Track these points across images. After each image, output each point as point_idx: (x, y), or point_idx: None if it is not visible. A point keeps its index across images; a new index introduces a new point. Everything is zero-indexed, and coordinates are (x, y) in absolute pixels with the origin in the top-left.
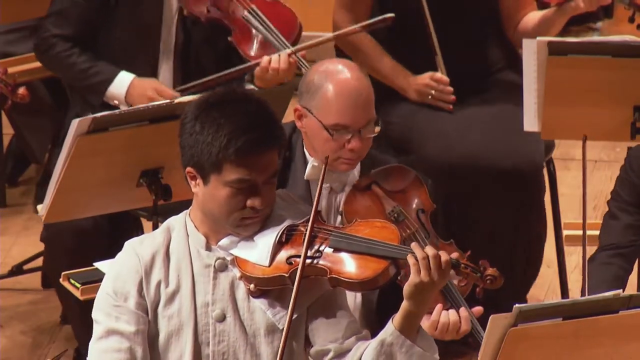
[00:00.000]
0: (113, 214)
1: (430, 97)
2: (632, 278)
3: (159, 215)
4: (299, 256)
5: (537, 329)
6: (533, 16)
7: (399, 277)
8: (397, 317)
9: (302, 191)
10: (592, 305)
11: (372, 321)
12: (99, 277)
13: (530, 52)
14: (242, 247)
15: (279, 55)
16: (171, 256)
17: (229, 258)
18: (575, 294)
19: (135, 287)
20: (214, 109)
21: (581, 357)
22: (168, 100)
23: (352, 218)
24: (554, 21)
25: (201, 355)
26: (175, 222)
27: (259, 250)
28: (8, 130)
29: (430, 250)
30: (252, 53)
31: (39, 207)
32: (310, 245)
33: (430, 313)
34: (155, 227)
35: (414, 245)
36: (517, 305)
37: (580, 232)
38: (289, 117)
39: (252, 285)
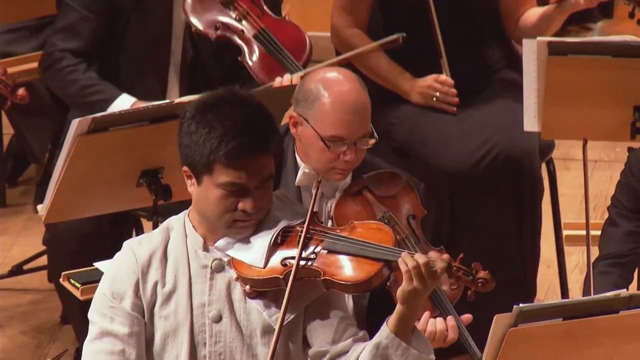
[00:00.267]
0: (114, 216)
1: (434, 99)
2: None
3: (159, 215)
4: (293, 258)
5: (537, 329)
6: (533, 13)
7: (388, 283)
8: (392, 320)
9: (294, 197)
10: (592, 305)
11: (363, 324)
12: (99, 277)
13: (530, 52)
14: (238, 248)
15: (291, 78)
16: (169, 256)
17: (225, 259)
18: (575, 294)
19: (132, 287)
20: (210, 111)
21: (581, 357)
22: (168, 101)
23: (343, 223)
24: (554, 18)
25: (198, 355)
26: (175, 222)
27: (254, 252)
28: (8, 130)
29: (420, 259)
30: (263, 75)
31: (39, 207)
32: (305, 247)
33: (419, 320)
34: (155, 227)
35: (405, 254)
36: (516, 305)
37: (579, 232)
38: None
39: (247, 287)
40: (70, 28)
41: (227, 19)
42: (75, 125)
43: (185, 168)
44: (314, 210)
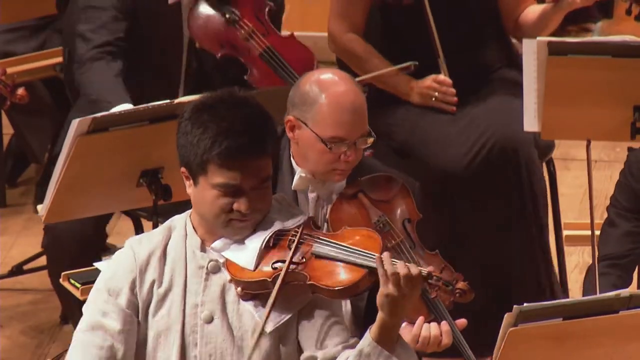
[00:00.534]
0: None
1: (433, 99)
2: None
3: (159, 215)
4: (283, 261)
5: (537, 329)
6: (532, 10)
7: None
8: (374, 328)
9: (291, 201)
10: (592, 305)
11: (360, 327)
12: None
13: (530, 52)
14: (233, 250)
15: None
16: (168, 256)
17: (221, 260)
18: (575, 294)
19: (128, 285)
20: (207, 111)
21: (581, 357)
22: (168, 101)
23: (338, 227)
24: (552, 17)
25: (188, 356)
26: (177, 222)
27: (246, 254)
28: (8, 131)
29: (401, 268)
30: None
31: (39, 207)
32: (295, 252)
33: (413, 324)
34: (155, 227)
35: (385, 259)
36: (516, 305)
37: (579, 232)
38: None
39: (239, 289)
40: (103, 26)
41: (233, 37)
42: (75, 125)
43: (182, 169)
44: (311, 215)
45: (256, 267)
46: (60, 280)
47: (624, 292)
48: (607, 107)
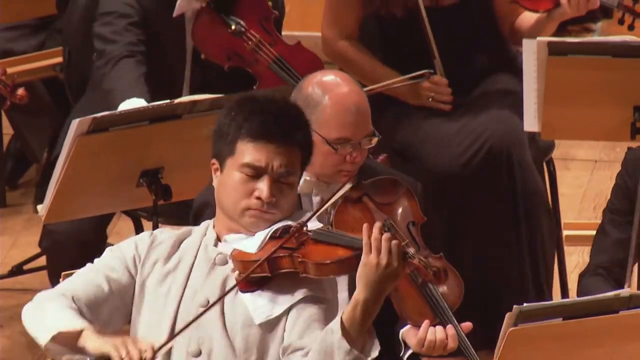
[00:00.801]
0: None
1: (430, 99)
2: (633, 278)
3: (159, 215)
4: (284, 248)
5: (537, 329)
6: (528, 17)
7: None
8: (347, 307)
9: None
10: (592, 305)
11: None
12: None
13: (530, 52)
14: (243, 241)
15: None
16: (181, 246)
17: (229, 253)
18: (575, 294)
19: (134, 253)
20: (248, 101)
21: (581, 357)
22: (168, 101)
23: (343, 230)
24: (545, 25)
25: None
26: (203, 224)
27: (253, 241)
28: (8, 131)
29: (384, 237)
30: None
31: (39, 207)
32: (294, 239)
33: (418, 328)
34: (155, 227)
35: (365, 226)
36: (516, 305)
37: (579, 232)
38: None
39: (237, 272)
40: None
41: (240, 49)
42: (75, 125)
43: (213, 160)
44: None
45: (258, 251)
46: (60, 280)
47: (624, 292)
48: (607, 107)
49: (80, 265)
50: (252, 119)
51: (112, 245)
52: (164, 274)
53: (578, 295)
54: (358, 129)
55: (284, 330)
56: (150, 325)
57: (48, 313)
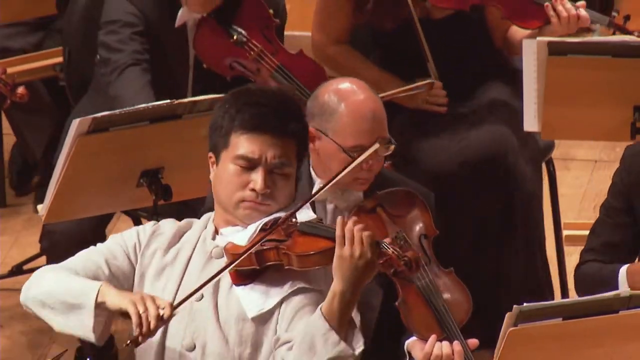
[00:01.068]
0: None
1: (425, 102)
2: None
3: (159, 215)
4: (272, 240)
5: (537, 329)
6: (521, 30)
7: (397, 303)
8: (326, 299)
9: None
10: (592, 305)
11: (369, 340)
12: None
13: (530, 52)
14: (238, 233)
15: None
16: (182, 238)
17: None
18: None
19: (136, 241)
20: (242, 94)
21: (581, 357)
22: (168, 101)
23: None
24: None
25: (171, 330)
26: (204, 217)
27: (245, 234)
28: (9, 131)
29: (356, 226)
30: None
31: (39, 207)
32: (282, 231)
33: (425, 342)
34: None
35: (339, 219)
36: (516, 305)
37: (579, 232)
38: None
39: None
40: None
41: (242, 59)
42: (75, 125)
43: (210, 154)
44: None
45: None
46: None
47: (624, 292)
48: (607, 107)
49: None
50: (245, 111)
51: None
52: (162, 267)
53: (575, 288)
54: (374, 136)
55: (277, 323)
56: None
57: (60, 281)
